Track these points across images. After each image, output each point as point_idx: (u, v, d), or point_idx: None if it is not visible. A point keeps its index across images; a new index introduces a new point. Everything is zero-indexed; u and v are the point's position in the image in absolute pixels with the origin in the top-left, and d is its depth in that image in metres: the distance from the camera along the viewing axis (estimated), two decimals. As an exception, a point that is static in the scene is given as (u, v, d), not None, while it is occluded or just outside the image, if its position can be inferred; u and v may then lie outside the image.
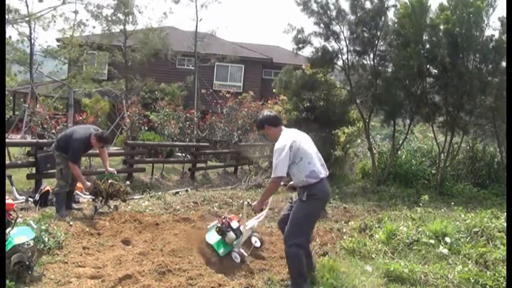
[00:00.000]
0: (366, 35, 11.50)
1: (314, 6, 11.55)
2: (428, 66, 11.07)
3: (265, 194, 4.05)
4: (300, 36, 11.87)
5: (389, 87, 11.09)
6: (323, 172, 3.83)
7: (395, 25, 11.11)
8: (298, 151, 3.74)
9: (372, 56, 11.80)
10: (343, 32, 11.69)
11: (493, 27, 10.71)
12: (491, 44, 10.56)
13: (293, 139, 3.78)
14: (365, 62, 12.09)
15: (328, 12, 11.45)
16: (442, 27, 10.46)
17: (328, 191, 3.90)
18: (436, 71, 11.31)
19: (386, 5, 11.36)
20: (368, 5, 11.42)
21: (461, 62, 10.70)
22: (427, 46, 10.82)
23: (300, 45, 12.00)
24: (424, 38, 10.66)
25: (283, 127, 4.00)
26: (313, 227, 4.07)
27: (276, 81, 12.92)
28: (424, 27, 10.52)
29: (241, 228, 4.46)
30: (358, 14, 11.39)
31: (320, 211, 4.07)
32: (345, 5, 11.59)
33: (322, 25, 11.69)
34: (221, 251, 4.40)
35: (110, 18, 16.38)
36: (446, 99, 11.37)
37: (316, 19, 11.66)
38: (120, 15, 16.30)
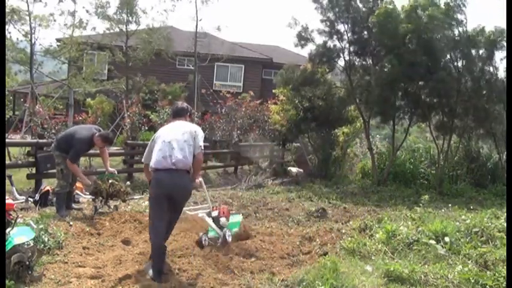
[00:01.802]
0: (364, 36, 11.56)
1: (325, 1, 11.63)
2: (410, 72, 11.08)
3: None
4: (303, 34, 11.95)
5: (382, 89, 11.18)
6: (162, 164, 3.86)
7: (375, 32, 11.17)
8: (154, 143, 4.07)
9: (370, 56, 11.85)
10: (346, 31, 11.73)
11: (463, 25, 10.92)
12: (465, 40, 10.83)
13: (158, 133, 4.15)
14: (364, 63, 12.14)
15: (336, 9, 11.47)
16: (409, 35, 10.57)
17: (161, 183, 3.88)
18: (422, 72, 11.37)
19: (374, 9, 11.48)
20: (361, 7, 11.51)
21: (443, 65, 10.83)
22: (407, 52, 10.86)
23: (303, 42, 12.06)
24: (401, 45, 10.75)
25: (174, 120, 4.28)
26: (159, 219, 3.91)
27: (277, 76, 12.98)
28: (398, 36, 10.62)
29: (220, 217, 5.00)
30: (355, 15, 11.46)
31: (158, 201, 3.92)
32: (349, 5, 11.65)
33: (327, 22, 11.75)
34: (210, 234, 4.93)
35: (113, 18, 16.36)
36: (440, 101, 11.42)
37: (323, 16, 11.71)
38: (124, 14, 16.28)
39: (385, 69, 11.21)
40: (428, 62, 10.78)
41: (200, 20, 18.36)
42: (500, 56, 11.15)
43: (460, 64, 11.11)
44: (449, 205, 8.10)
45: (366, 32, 11.59)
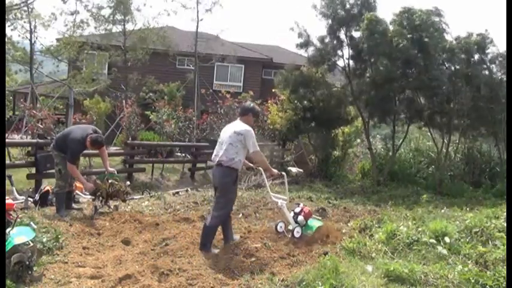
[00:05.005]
0: (358, 38, 11.66)
1: (325, 10, 11.79)
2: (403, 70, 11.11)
3: None
4: (304, 39, 12.09)
5: (378, 90, 11.20)
6: (214, 159, 4.79)
7: (363, 41, 11.23)
8: None
9: (365, 58, 11.88)
10: (347, 37, 11.84)
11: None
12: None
13: (221, 132, 4.96)
14: (361, 65, 12.19)
15: (338, 11, 11.52)
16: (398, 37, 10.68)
17: (212, 174, 5.08)
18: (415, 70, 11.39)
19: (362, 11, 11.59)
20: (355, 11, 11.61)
21: (435, 65, 10.92)
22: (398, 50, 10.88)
23: (304, 46, 12.23)
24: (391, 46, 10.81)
25: (238, 118, 4.95)
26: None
27: (277, 76, 13.04)
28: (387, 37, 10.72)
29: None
30: (346, 16, 11.59)
31: (213, 188, 5.08)
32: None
33: (329, 29, 11.94)
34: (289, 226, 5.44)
35: (109, 19, 16.38)
36: (433, 101, 11.47)
37: (327, 24, 11.90)
38: (118, 15, 16.31)
39: (380, 68, 11.27)
40: (421, 60, 10.84)
41: (201, 20, 18.42)
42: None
43: (453, 66, 11.28)
44: (452, 203, 8.10)
45: (359, 34, 11.66)
